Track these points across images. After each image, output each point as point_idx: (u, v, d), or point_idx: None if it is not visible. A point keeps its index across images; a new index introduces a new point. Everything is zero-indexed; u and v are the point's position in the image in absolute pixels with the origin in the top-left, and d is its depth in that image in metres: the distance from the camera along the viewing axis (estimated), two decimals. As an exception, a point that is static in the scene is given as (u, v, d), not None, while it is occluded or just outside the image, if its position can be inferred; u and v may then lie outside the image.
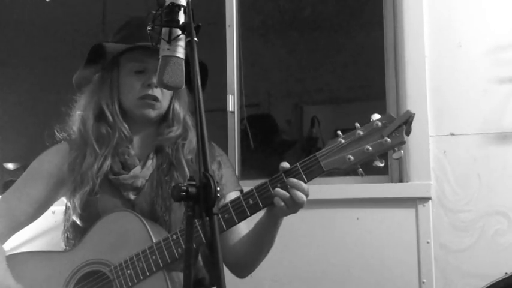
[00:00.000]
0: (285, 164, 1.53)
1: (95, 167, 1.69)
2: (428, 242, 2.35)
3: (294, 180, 1.50)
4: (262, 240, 1.66)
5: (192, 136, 1.76)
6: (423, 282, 2.35)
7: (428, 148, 2.40)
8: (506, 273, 2.12)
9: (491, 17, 2.39)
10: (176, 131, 1.75)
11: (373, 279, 2.42)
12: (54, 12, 3.90)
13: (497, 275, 2.11)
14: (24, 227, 1.79)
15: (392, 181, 2.49)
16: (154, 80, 1.67)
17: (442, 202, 2.36)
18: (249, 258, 1.72)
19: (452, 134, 2.39)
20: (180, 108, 1.78)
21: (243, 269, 1.76)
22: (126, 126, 1.74)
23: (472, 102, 2.37)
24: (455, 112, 2.39)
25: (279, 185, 1.51)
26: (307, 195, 1.51)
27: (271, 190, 1.51)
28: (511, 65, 2.33)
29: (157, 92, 1.71)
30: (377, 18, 2.70)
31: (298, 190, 1.49)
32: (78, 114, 1.79)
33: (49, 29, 4.08)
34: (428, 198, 2.37)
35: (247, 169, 3.00)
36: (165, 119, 1.78)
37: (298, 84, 4.23)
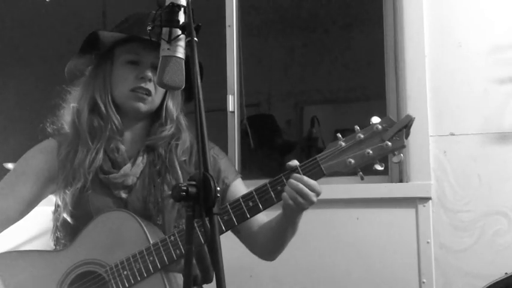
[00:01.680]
0: (293, 162, 1.53)
1: (86, 162, 1.67)
2: (428, 242, 2.35)
3: (296, 176, 1.51)
4: (283, 234, 1.68)
5: (186, 136, 1.75)
6: (423, 282, 2.35)
7: (428, 148, 2.40)
8: (506, 273, 2.12)
9: (491, 17, 2.39)
10: (169, 130, 1.73)
11: (373, 279, 2.42)
12: (54, 12, 3.90)
13: (497, 275, 2.11)
14: (12, 224, 1.75)
15: (392, 181, 2.49)
16: (148, 73, 1.68)
17: (442, 202, 2.36)
18: (273, 246, 1.74)
19: (452, 134, 2.39)
20: (173, 107, 1.76)
21: (270, 254, 1.78)
22: (118, 117, 1.72)
23: (472, 102, 2.37)
24: (455, 112, 2.39)
25: (279, 187, 1.51)
26: (312, 190, 1.51)
27: (271, 192, 1.51)
28: (511, 65, 2.34)
29: (150, 86, 1.70)
30: (377, 18, 2.70)
31: (301, 184, 1.50)
32: (73, 107, 1.76)
33: (49, 29, 4.07)
34: (428, 198, 2.37)
35: (247, 169, 3.00)
36: (157, 116, 1.76)
37: (298, 84, 4.23)
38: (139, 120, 1.76)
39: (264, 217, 1.72)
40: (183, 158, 1.73)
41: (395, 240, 2.40)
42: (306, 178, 1.50)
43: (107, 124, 1.71)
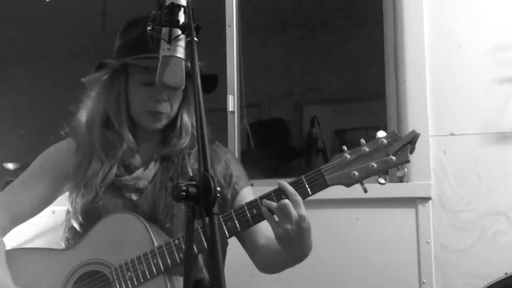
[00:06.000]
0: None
1: (99, 176, 1.69)
2: (428, 242, 2.35)
3: (292, 193, 1.50)
4: (284, 257, 1.64)
5: None
6: (423, 282, 2.35)
7: (428, 148, 2.40)
8: (506, 273, 2.12)
9: (491, 17, 2.39)
10: (184, 143, 1.74)
11: (373, 279, 2.42)
12: (54, 12, 3.90)
13: (497, 275, 2.11)
14: (26, 220, 1.79)
15: (392, 181, 2.49)
16: (164, 95, 1.68)
17: (442, 202, 2.36)
18: (273, 265, 1.74)
19: (452, 134, 2.39)
20: (188, 118, 1.76)
21: (271, 271, 1.78)
22: (131, 138, 1.73)
23: (472, 102, 2.37)
24: (455, 112, 2.39)
25: (283, 196, 1.51)
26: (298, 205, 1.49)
27: (276, 201, 1.51)
28: (511, 65, 2.33)
29: (165, 106, 1.70)
30: (377, 18, 2.69)
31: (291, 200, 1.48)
32: (86, 119, 1.78)
33: (49, 29, 4.07)
34: (428, 198, 2.37)
35: (248, 169, 2.99)
36: (172, 126, 1.76)
37: (298, 84, 4.23)
38: (155, 132, 1.77)
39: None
40: (196, 166, 1.72)
41: (395, 240, 2.40)
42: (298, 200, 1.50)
43: (122, 141, 1.72)
